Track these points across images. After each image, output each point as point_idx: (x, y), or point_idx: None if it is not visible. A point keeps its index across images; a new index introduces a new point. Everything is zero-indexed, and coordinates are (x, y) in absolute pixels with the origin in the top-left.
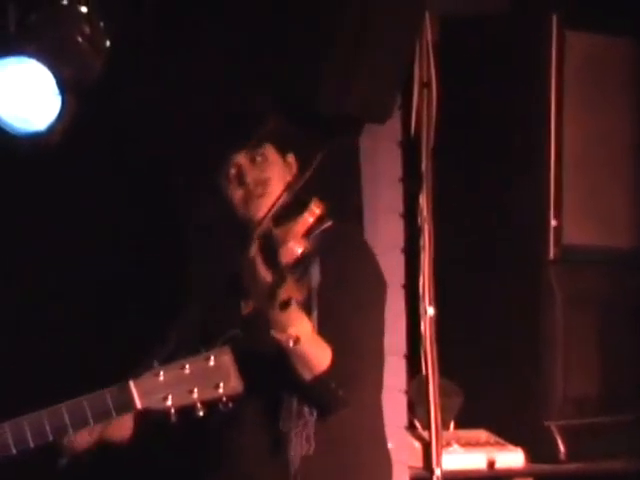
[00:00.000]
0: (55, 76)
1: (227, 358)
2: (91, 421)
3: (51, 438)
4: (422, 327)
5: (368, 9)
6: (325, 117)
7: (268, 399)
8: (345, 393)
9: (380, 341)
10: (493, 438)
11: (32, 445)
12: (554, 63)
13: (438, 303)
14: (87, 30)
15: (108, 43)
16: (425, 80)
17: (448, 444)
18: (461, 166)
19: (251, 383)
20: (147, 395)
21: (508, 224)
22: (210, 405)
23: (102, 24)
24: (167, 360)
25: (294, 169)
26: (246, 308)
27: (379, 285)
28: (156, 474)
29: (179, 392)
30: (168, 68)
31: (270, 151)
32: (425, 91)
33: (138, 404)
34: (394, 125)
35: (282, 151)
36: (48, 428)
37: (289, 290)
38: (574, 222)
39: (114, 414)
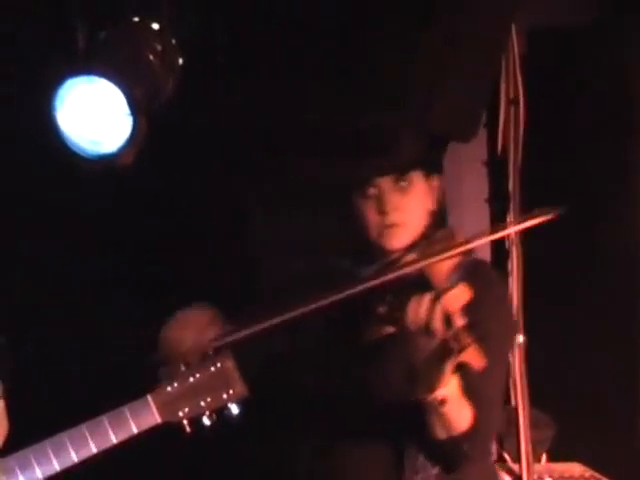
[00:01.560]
0: (126, 96)
1: (230, 364)
2: (113, 439)
3: (76, 460)
4: (512, 356)
5: (452, 23)
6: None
7: (392, 448)
8: (473, 451)
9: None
10: (588, 472)
11: (58, 468)
12: None
13: (528, 331)
14: (159, 47)
15: (181, 61)
16: (512, 96)
17: (540, 478)
18: (550, 186)
19: (372, 429)
20: (165, 408)
21: (602, 249)
22: (219, 413)
23: (174, 41)
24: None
25: (436, 192)
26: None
27: (513, 332)
28: None
29: (192, 402)
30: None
31: (417, 178)
32: (512, 107)
33: (158, 418)
34: (479, 144)
35: (428, 176)
36: (71, 449)
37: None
38: None
39: (135, 430)
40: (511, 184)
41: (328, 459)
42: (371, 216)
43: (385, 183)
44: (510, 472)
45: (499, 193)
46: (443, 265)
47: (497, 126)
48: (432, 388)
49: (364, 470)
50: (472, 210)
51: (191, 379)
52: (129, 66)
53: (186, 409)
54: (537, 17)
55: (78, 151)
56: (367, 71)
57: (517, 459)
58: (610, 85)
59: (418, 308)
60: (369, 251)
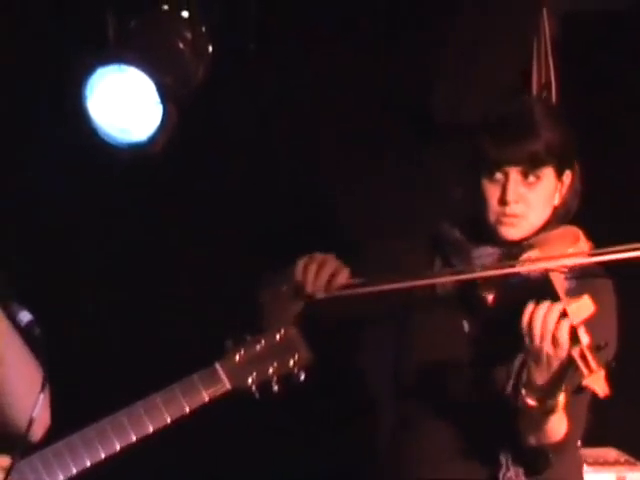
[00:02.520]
0: (156, 84)
1: (294, 332)
2: (186, 407)
3: (151, 430)
4: None
5: (482, 10)
6: (438, 124)
7: (484, 448)
8: (557, 458)
9: None
10: (623, 456)
11: (134, 438)
12: None
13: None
14: (189, 36)
15: (210, 49)
16: (544, 81)
17: None
18: (584, 172)
19: (472, 423)
20: (233, 374)
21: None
22: (285, 379)
23: (204, 29)
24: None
25: (566, 188)
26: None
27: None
28: None
29: (259, 368)
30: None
31: (548, 173)
32: (544, 93)
33: (227, 384)
34: None
35: (560, 171)
36: (146, 419)
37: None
38: None
39: (206, 398)
40: None
41: (420, 445)
42: (492, 201)
43: (513, 172)
44: None
45: None
46: (563, 270)
47: None
48: (544, 400)
49: (460, 456)
50: None
51: (257, 347)
52: (159, 54)
53: (254, 375)
54: (570, 0)
55: (108, 139)
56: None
57: None
58: None
59: (542, 315)
60: (484, 230)
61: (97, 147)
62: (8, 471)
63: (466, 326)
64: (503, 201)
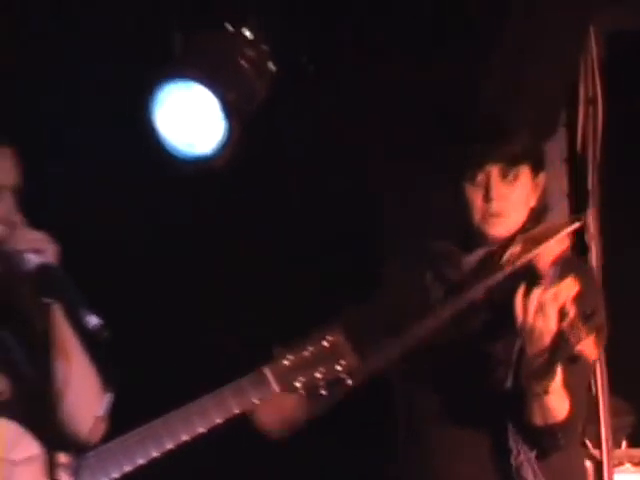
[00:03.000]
0: (220, 100)
1: (340, 337)
2: (235, 410)
3: (201, 430)
4: None
5: (530, 25)
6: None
7: (491, 433)
8: (566, 440)
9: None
10: None
11: (186, 438)
12: None
13: (607, 323)
14: (252, 54)
15: (272, 67)
16: (590, 96)
17: (620, 463)
18: (630, 182)
19: (474, 414)
20: (281, 379)
21: None
22: (333, 383)
23: (266, 48)
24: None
25: (540, 190)
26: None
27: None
28: None
29: (307, 373)
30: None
31: (525, 172)
32: (590, 107)
33: (276, 388)
34: (559, 142)
35: (535, 172)
36: (197, 419)
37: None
38: None
39: (254, 400)
40: (590, 180)
41: (433, 437)
42: (477, 202)
43: (494, 171)
44: (591, 458)
45: (579, 188)
46: (547, 259)
47: (576, 125)
48: (543, 378)
49: (469, 448)
50: (554, 204)
51: (305, 352)
52: (223, 72)
53: (302, 379)
54: (616, 19)
55: (174, 152)
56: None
57: (598, 445)
58: None
59: (532, 297)
60: (470, 236)
61: (164, 160)
62: (75, 469)
63: (469, 323)
64: (487, 198)
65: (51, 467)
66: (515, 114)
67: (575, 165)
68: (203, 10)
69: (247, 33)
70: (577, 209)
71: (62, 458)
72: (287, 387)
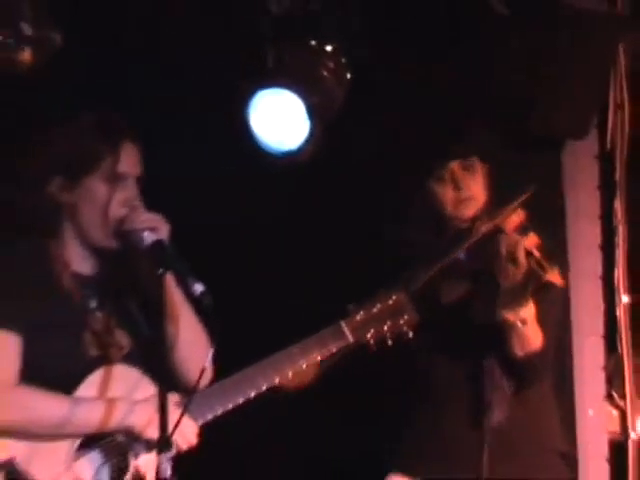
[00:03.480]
0: (305, 104)
1: (403, 296)
2: (317, 357)
3: (290, 373)
4: (618, 313)
5: (571, 47)
6: (534, 136)
7: (472, 367)
8: (542, 368)
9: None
10: None
11: (277, 380)
12: None
13: (632, 292)
14: (331, 65)
15: (349, 76)
16: (619, 102)
17: None
18: None
19: (456, 350)
20: (355, 331)
21: None
22: (397, 335)
23: (344, 60)
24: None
25: (488, 176)
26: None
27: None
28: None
29: (375, 326)
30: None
31: (477, 162)
32: (619, 112)
33: (350, 338)
34: (592, 141)
35: (482, 162)
36: (287, 365)
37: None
38: None
39: (333, 349)
40: (618, 174)
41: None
42: (448, 194)
43: (456, 166)
44: (617, 407)
45: (608, 181)
46: (510, 226)
47: (607, 127)
48: (518, 307)
49: (447, 384)
50: (586, 195)
51: (374, 309)
52: (308, 80)
53: (372, 332)
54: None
55: (266, 148)
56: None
57: (622, 397)
58: None
59: (502, 244)
60: (442, 224)
61: (258, 155)
62: (185, 404)
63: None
64: (457, 187)
65: (164, 405)
66: (559, 119)
67: (605, 161)
68: (291, 28)
69: (328, 47)
70: (607, 199)
71: (174, 398)
72: (360, 338)
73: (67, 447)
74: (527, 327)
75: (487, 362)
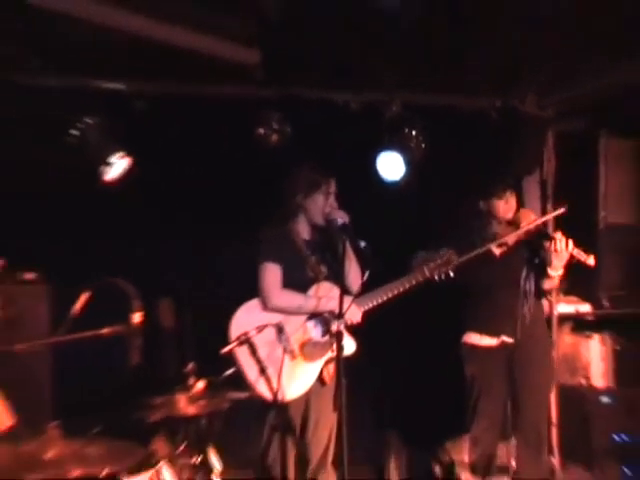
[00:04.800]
0: (403, 158)
1: (454, 253)
2: (415, 281)
3: (409, 285)
4: None
5: (526, 133)
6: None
7: (515, 276)
8: (551, 295)
9: None
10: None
11: (409, 286)
12: None
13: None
14: (415, 141)
15: (424, 145)
16: (548, 157)
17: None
18: (565, 192)
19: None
20: (430, 271)
21: None
22: (447, 274)
23: (422, 137)
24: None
25: (516, 199)
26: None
27: None
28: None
29: (440, 267)
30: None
31: (512, 192)
32: (549, 163)
33: (427, 275)
34: (536, 175)
35: (514, 191)
36: (405, 282)
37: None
38: None
39: (421, 279)
40: (549, 189)
41: None
42: (501, 205)
43: (509, 191)
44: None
45: (544, 193)
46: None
47: (543, 168)
48: (558, 271)
49: (499, 284)
50: (534, 199)
51: (439, 259)
52: (404, 148)
53: (436, 272)
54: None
55: (386, 180)
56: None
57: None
58: None
59: (559, 241)
60: (487, 219)
61: (379, 186)
62: (352, 300)
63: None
64: (506, 202)
65: (342, 300)
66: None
67: (543, 184)
68: (397, 126)
69: (413, 132)
70: (543, 202)
71: (348, 298)
72: (431, 275)
73: (302, 318)
74: (555, 280)
75: (525, 278)
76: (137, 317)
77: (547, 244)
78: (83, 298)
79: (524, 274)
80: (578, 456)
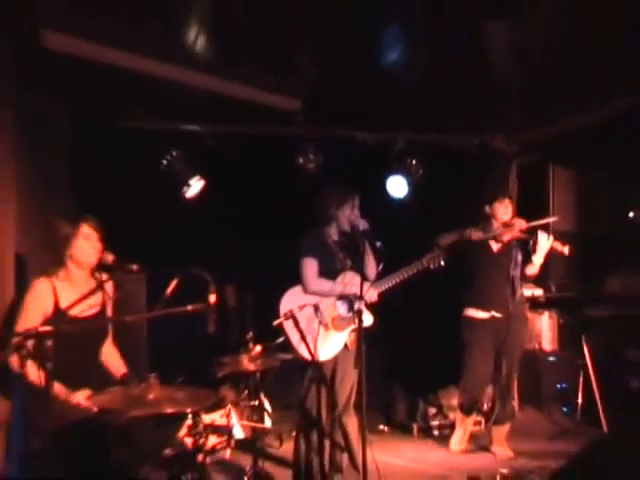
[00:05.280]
0: (406, 180)
1: (440, 250)
2: (416, 270)
3: (413, 272)
4: None
5: (496, 166)
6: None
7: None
8: (533, 281)
9: None
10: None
11: (408, 274)
12: None
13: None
14: (415, 168)
15: (422, 171)
16: (512, 184)
17: None
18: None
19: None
20: (428, 261)
21: None
22: (439, 263)
23: (420, 166)
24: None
25: (513, 206)
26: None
27: None
28: None
29: (433, 259)
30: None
31: (510, 201)
32: (513, 185)
33: (425, 265)
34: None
35: (511, 199)
36: (411, 268)
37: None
38: None
39: (421, 267)
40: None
41: None
42: (501, 209)
43: (507, 197)
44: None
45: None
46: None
47: (509, 187)
48: (540, 258)
49: (490, 267)
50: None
51: (433, 254)
52: (407, 174)
53: (434, 262)
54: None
55: (394, 196)
56: None
57: None
58: None
59: (544, 238)
60: (489, 220)
61: (389, 201)
62: (371, 284)
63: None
64: (505, 206)
65: (362, 285)
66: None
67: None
68: (403, 159)
69: (414, 162)
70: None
71: (367, 283)
72: (428, 265)
73: (333, 299)
74: (537, 266)
75: (513, 268)
76: (213, 298)
77: (533, 238)
78: (173, 283)
79: (512, 265)
80: (532, 400)
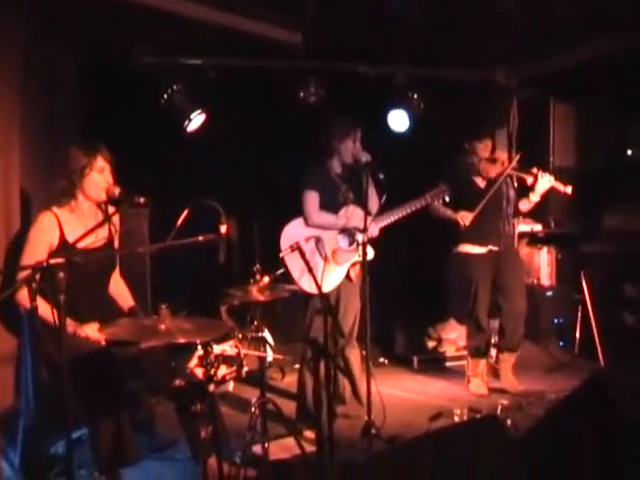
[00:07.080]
0: (407, 114)
1: (447, 187)
2: (420, 205)
3: (416, 207)
4: None
5: (499, 108)
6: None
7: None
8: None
9: None
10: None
11: (410, 210)
12: None
13: None
14: (416, 101)
15: (422, 105)
16: (514, 114)
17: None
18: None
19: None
20: (430, 197)
21: None
22: (440, 198)
23: (420, 100)
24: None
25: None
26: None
27: None
28: None
29: (437, 194)
30: None
31: (489, 139)
32: (513, 118)
33: (429, 200)
34: (504, 129)
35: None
36: (414, 203)
37: None
38: None
39: (424, 203)
40: (513, 139)
41: None
42: (481, 146)
43: (487, 135)
44: None
45: (510, 139)
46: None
47: (509, 123)
48: (539, 195)
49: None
50: (501, 146)
51: (437, 190)
52: (408, 108)
53: (435, 197)
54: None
55: (395, 130)
56: None
57: None
58: None
59: (543, 175)
60: (470, 156)
61: (390, 132)
62: (373, 218)
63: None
64: (486, 146)
65: (366, 218)
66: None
67: (509, 136)
68: (404, 92)
69: (415, 95)
70: (510, 150)
71: (370, 218)
72: (431, 200)
73: (335, 233)
74: (534, 200)
75: (506, 204)
76: (223, 228)
77: (532, 177)
78: (184, 214)
79: (505, 201)
80: (529, 334)
